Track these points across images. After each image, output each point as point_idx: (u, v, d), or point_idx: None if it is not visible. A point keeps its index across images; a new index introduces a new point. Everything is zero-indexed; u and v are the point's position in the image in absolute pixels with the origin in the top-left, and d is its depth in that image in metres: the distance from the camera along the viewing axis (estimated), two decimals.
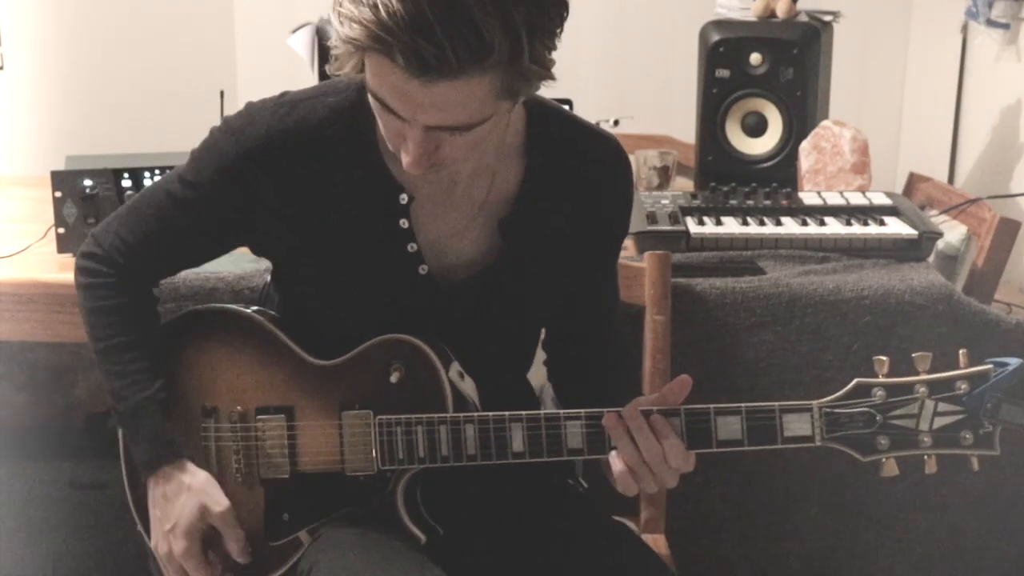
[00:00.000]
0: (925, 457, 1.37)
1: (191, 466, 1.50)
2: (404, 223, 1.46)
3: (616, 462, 1.39)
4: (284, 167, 1.44)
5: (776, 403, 1.38)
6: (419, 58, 1.20)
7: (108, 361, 1.53)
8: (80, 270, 1.57)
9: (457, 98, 1.25)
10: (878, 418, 1.36)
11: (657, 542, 1.85)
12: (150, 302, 1.59)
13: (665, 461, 1.37)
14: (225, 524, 1.48)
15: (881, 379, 1.37)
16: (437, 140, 1.30)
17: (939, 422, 1.36)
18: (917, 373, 1.36)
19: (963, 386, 1.35)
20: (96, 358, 1.55)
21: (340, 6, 1.24)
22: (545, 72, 1.28)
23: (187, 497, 1.48)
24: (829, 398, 1.38)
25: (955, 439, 1.36)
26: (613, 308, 1.62)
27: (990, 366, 1.35)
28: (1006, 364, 1.34)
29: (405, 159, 1.32)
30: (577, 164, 1.50)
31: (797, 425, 1.38)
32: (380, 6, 1.19)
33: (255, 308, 1.58)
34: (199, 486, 1.48)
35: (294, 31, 2.46)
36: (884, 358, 1.37)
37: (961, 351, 1.36)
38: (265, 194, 1.45)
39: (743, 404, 1.38)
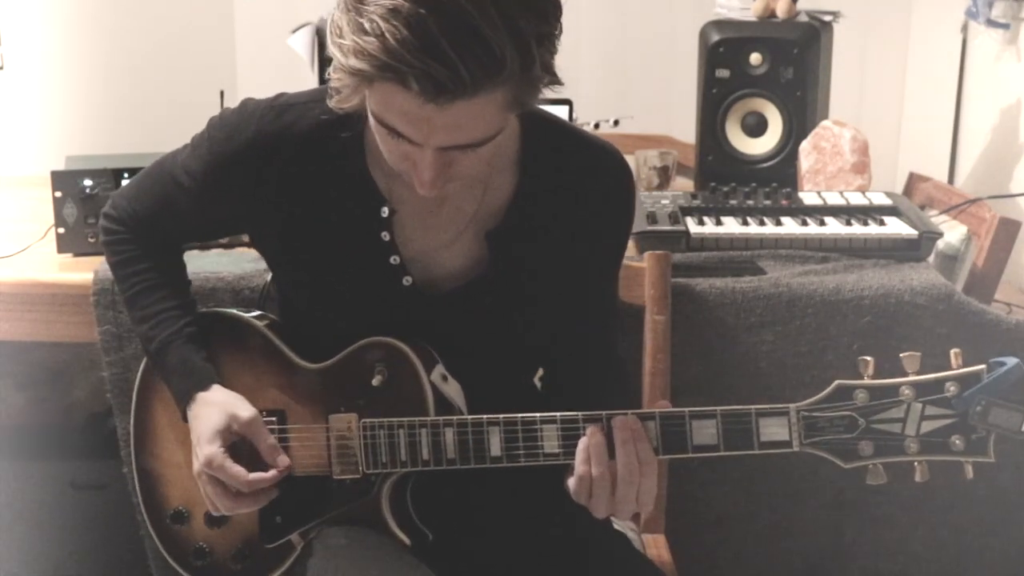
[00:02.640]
0: (916, 464, 1.31)
1: (221, 387, 1.51)
2: (385, 236, 1.46)
3: (580, 466, 1.37)
4: (270, 169, 1.45)
5: (752, 406, 1.35)
6: (433, 82, 1.18)
7: (136, 307, 1.58)
8: (102, 229, 1.64)
9: (471, 116, 1.24)
10: (860, 422, 1.31)
11: (657, 542, 1.85)
12: (172, 252, 1.64)
13: (639, 470, 1.35)
14: (251, 429, 1.47)
15: (864, 381, 1.32)
16: (449, 159, 1.30)
17: (927, 426, 1.30)
18: (905, 374, 1.31)
19: (952, 388, 1.29)
20: (127, 309, 1.61)
21: (340, 38, 1.22)
22: (553, 78, 1.28)
23: (212, 409, 1.48)
24: (807, 401, 1.33)
25: (944, 445, 1.30)
26: (609, 328, 1.59)
27: (982, 367, 1.29)
28: (1002, 364, 1.28)
29: (418, 183, 1.32)
30: (574, 177, 1.49)
31: (774, 430, 1.33)
32: (387, 34, 1.17)
33: (253, 312, 1.59)
34: (223, 399, 1.49)
35: (294, 31, 2.46)
36: (869, 358, 1.33)
37: (953, 351, 1.31)
38: (252, 193, 1.47)
39: (718, 408, 1.35)
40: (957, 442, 1.30)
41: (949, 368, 1.31)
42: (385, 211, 1.45)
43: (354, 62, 1.21)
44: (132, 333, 1.87)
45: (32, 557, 2.28)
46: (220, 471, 1.45)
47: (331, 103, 1.32)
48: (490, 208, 1.47)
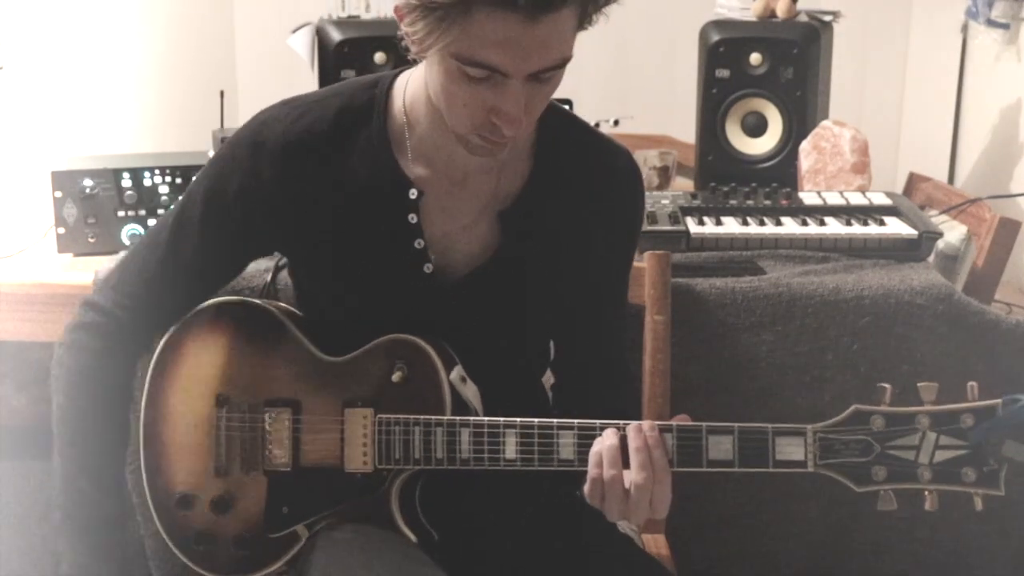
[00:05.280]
0: (926, 493, 1.34)
1: None
2: (413, 218, 1.47)
3: (592, 469, 1.38)
4: (300, 170, 1.45)
5: (769, 425, 1.36)
6: None
7: (74, 445, 1.51)
8: (76, 327, 1.55)
9: (557, 31, 1.28)
10: (875, 447, 1.33)
11: (657, 542, 1.85)
12: (129, 385, 1.56)
13: (652, 477, 1.35)
14: None
15: (881, 407, 1.34)
16: (530, 93, 1.33)
17: (940, 456, 1.32)
18: (921, 403, 1.33)
19: (968, 420, 1.31)
20: (60, 430, 1.52)
21: None
22: None
23: None
24: (824, 423, 1.35)
25: (956, 475, 1.32)
26: (618, 333, 1.60)
27: (999, 402, 1.31)
28: (1018, 400, 1.29)
29: (506, 122, 1.34)
30: (586, 170, 1.51)
31: (790, 449, 1.35)
32: None
33: (273, 302, 1.59)
34: None
35: (294, 31, 2.46)
36: (887, 385, 1.35)
37: (970, 384, 1.33)
38: (281, 198, 1.46)
39: (735, 424, 1.37)
40: (969, 474, 1.33)
41: (959, 384, 1.33)
42: (414, 193, 1.46)
43: None
44: None
45: (32, 557, 2.28)
46: None
47: (413, 54, 1.34)
48: (505, 192, 1.49)
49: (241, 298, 1.62)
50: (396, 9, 1.32)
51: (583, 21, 1.32)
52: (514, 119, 1.33)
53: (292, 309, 1.60)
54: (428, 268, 1.48)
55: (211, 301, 1.60)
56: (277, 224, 1.49)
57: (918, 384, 1.33)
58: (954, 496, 1.33)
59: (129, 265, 1.56)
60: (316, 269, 1.53)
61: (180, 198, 1.54)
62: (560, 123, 1.50)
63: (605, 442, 1.37)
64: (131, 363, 1.57)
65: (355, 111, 1.46)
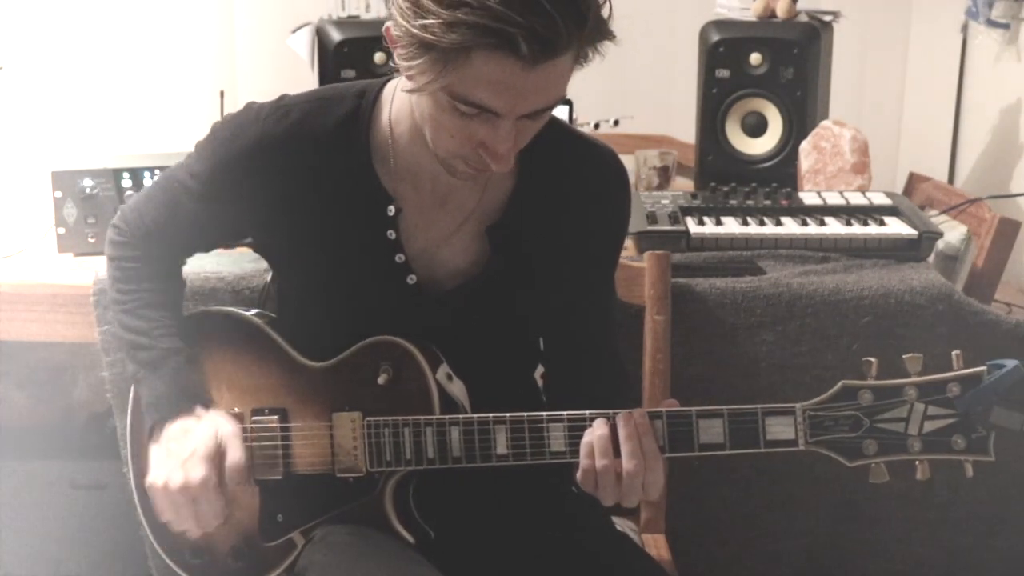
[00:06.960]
0: (917, 463, 1.34)
1: (216, 412, 1.50)
2: (391, 234, 1.47)
3: (584, 459, 1.38)
4: (275, 170, 1.45)
5: (758, 406, 1.36)
6: (539, 39, 1.21)
7: (133, 317, 1.56)
8: (108, 242, 1.62)
9: (555, 77, 1.27)
10: (865, 421, 1.34)
11: (657, 542, 1.85)
12: (175, 272, 1.63)
13: (643, 464, 1.36)
14: (238, 469, 1.47)
15: (868, 381, 1.34)
16: (519, 129, 1.32)
17: (929, 426, 1.33)
18: (908, 375, 1.34)
19: (955, 389, 1.32)
20: (119, 319, 1.57)
21: (423, 18, 1.22)
22: (611, 34, 1.30)
23: (207, 429, 1.47)
24: (813, 400, 1.35)
25: (946, 444, 1.33)
26: (608, 327, 1.61)
27: (983, 368, 1.31)
28: (1002, 366, 1.30)
29: (494, 159, 1.33)
30: (571, 174, 1.50)
31: (780, 428, 1.35)
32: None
33: (254, 311, 1.59)
34: (227, 427, 1.47)
35: (294, 31, 2.46)
36: (872, 359, 1.35)
37: (954, 352, 1.33)
38: (257, 194, 1.47)
39: (724, 407, 1.37)
40: (959, 441, 1.33)
41: (950, 369, 1.33)
42: (391, 209, 1.46)
43: (452, 36, 1.21)
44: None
45: (32, 557, 2.28)
46: (207, 497, 1.45)
47: (408, 88, 1.32)
48: (490, 204, 1.48)
49: (220, 308, 1.62)
50: (387, 32, 1.30)
51: (579, 61, 1.31)
52: (502, 156, 1.33)
53: (272, 316, 1.60)
54: (412, 279, 1.48)
55: (192, 313, 1.63)
56: (250, 213, 1.50)
57: (903, 356, 1.34)
58: (945, 464, 1.34)
59: (149, 199, 1.59)
60: (299, 274, 1.53)
61: (172, 168, 1.57)
62: (544, 130, 1.48)
63: (595, 432, 1.38)
64: (166, 263, 1.61)
65: (342, 118, 1.45)
